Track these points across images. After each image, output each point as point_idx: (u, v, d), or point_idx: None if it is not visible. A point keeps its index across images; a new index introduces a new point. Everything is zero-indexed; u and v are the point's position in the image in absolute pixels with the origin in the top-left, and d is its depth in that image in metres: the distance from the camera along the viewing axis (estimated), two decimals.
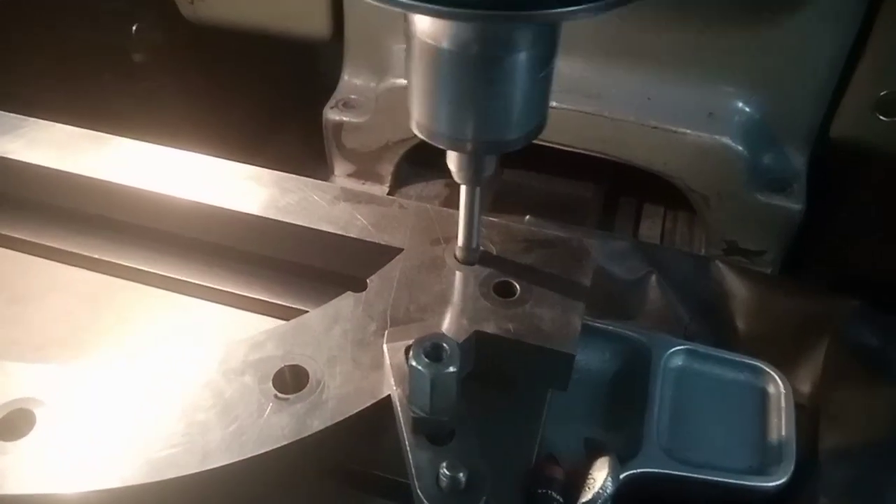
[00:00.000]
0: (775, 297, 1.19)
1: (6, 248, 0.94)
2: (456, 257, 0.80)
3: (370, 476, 0.72)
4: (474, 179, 0.71)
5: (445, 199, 1.55)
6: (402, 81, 1.38)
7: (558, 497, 0.70)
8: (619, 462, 0.74)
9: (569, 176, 1.60)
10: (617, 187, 1.60)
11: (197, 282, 0.89)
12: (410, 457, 0.58)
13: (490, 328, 0.72)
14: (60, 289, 0.90)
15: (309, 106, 1.56)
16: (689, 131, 1.33)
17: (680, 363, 0.88)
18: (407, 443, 0.60)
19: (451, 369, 0.56)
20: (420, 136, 0.67)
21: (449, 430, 0.60)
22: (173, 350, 0.71)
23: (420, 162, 1.57)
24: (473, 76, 0.60)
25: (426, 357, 0.56)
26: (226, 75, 1.66)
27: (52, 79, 1.53)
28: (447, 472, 0.55)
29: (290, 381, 0.69)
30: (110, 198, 0.91)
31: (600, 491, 0.71)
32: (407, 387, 0.61)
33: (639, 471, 0.76)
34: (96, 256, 0.93)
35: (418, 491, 0.57)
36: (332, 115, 1.49)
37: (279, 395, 0.67)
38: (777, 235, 1.38)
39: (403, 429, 0.61)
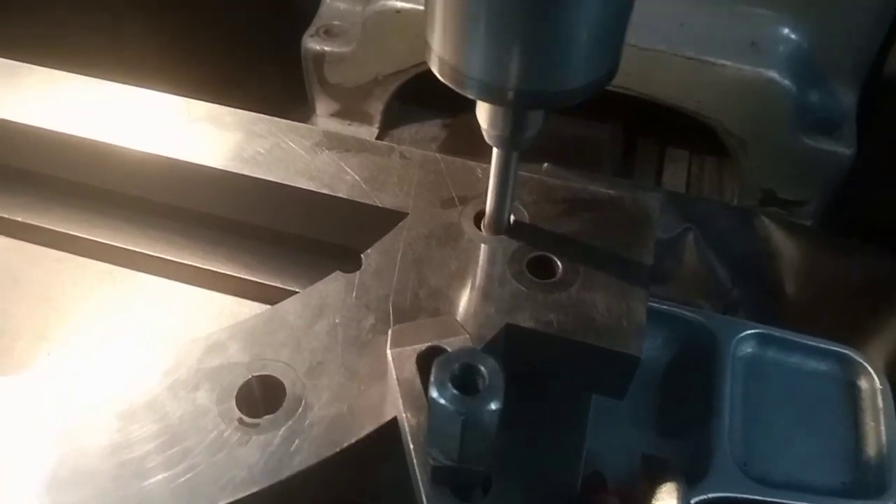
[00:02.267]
0: (831, 257, 1.03)
1: None
2: (476, 224, 0.61)
3: None
4: (512, 142, 0.54)
5: (442, 142, 1.37)
6: (394, 3, 1.19)
7: None
8: (687, 484, 0.58)
9: (581, 115, 1.41)
10: (636, 128, 1.42)
11: (140, 250, 0.70)
12: None
13: (526, 321, 0.54)
14: None
15: (288, 36, 1.35)
16: (728, 63, 1.16)
17: (750, 350, 0.71)
18: (424, 495, 0.42)
19: (493, 407, 0.38)
20: (442, 78, 0.49)
21: (481, 480, 0.43)
22: (102, 353, 0.53)
23: (414, 99, 1.39)
24: None
25: (455, 387, 0.39)
26: (193, 4, 1.45)
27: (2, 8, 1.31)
28: None
29: (261, 398, 0.51)
30: (30, 146, 0.71)
31: None
32: (423, 418, 0.44)
33: (711, 496, 0.60)
34: (19, 219, 0.73)
35: None
36: (311, 44, 1.29)
37: (245, 419, 0.49)
38: (822, 184, 1.23)
39: (418, 475, 0.43)
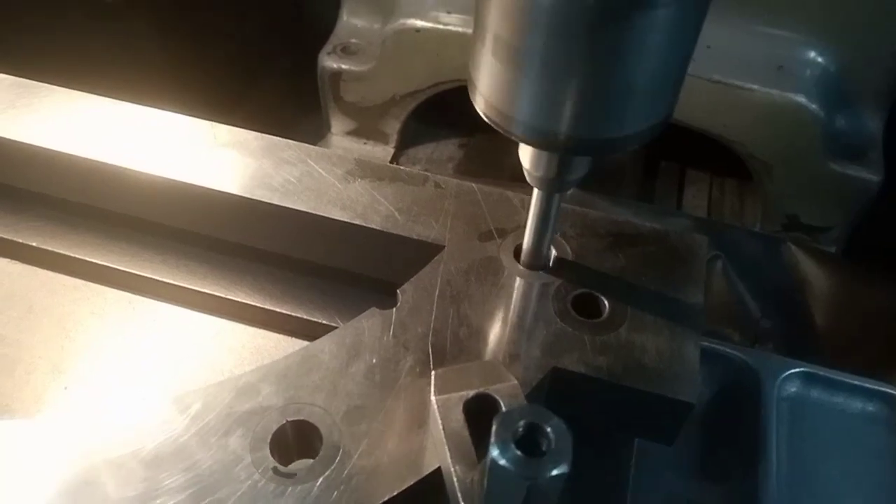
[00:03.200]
0: (863, 286, 1.00)
1: None
2: (516, 258, 0.59)
3: None
4: (555, 185, 0.51)
5: (459, 162, 1.35)
6: (414, 22, 1.17)
7: None
8: None
9: None
10: (657, 149, 1.40)
11: (161, 279, 0.67)
12: None
13: (574, 364, 0.52)
14: None
15: (299, 50, 1.33)
16: (755, 87, 1.14)
17: (794, 390, 0.68)
18: None
19: (560, 471, 0.35)
20: (487, 119, 0.47)
21: None
22: (123, 393, 0.50)
23: (430, 119, 1.36)
24: (586, 39, 0.41)
25: (519, 450, 0.36)
26: (205, 15, 1.43)
27: (14, 19, 1.29)
28: None
29: (295, 444, 0.48)
30: (48, 169, 0.68)
31: None
32: (475, 473, 0.41)
33: None
34: (35, 245, 0.70)
35: None
36: (328, 62, 1.27)
37: (280, 468, 0.46)
38: (847, 210, 1.20)
39: None
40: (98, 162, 0.66)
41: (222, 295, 0.67)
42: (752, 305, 0.99)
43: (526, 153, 0.51)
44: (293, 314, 0.66)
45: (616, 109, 0.44)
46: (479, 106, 0.47)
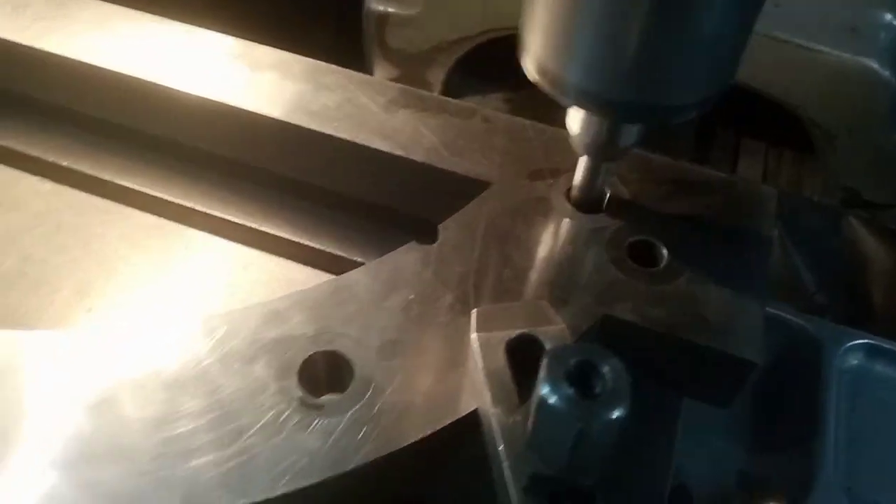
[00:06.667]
0: None
1: None
2: (570, 199, 0.54)
3: None
4: (603, 152, 0.49)
5: None
6: None
7: None
8: None
9: None
10: (712, 115, 1.34)
11: (199, 208, 0.64)
12: None
13: (628, 313, 0.48)
14: (13, 206, 0.65)
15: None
16: (825, 48, 1.06)
17: (856, 363, 0.63)
18: None
19: (616, 415, 0.32)
20: (536, 80, 0.45)
21: (585, 495, 0.36)
22: (148, 315, 0.47)
23: (475, 72, 1.31)
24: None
25: (571, 385, 0.32)
26: None
27: None
28: None
29: (325, 376, 0.45)
30: (88, 86, 0.65)
31: None
32: (517, 416, 0.37)
33: None
34: (65, 165, 0.68)
35: None
36: (375, 4, 1.22)
37: (308, 398, 0.43)
38: None
39: (509, 482, 0.37)
40: (133, 77, 0.62)
41: (254, 226, 0.64)
42: (807, 278, 0.94)
43: (575, 118, 0.48)
44: (326, 249, 0.63)
45: (673, 74, 0.42)
46: (529, 67, 0.45)
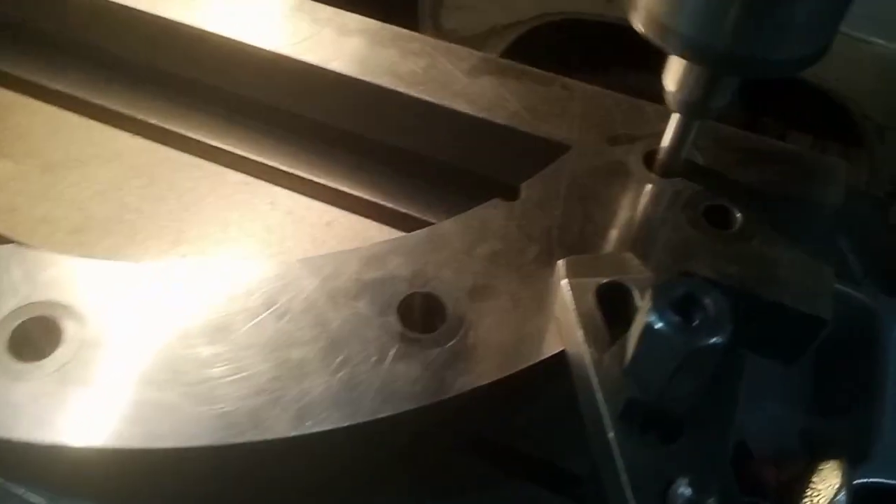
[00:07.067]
0: None
1: (42, 101, 0.74)
2: (647, 165, 0.57)
3: (510, 452, 0.53)
4: (698, 109, 0.51)
5: None
6: None
7: None
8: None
9: None
10: (757, 104, 1.35)
11: (285, 168, 0.68)
12: (619, 454, 0.38)
13: (705, 270, 0.50)
14: (108, 158, 0.70)
15: None
16: (879, 41, 1.07)
17: None
18: (611, 431, 0.39)
19: (718, 340, 0.35)
20: (642, 31, 0.47)
21: (675, 423, 0.39)
22: (254, 254, 0.51)
23: (527, 55, 1.33)
24: None
25: (676, 314, 0.35)
26: None
27: None
28: (687, 495, 0.35)
29: (421, 315, 0.49)
30: (175, 44, 0.69)
31: None
32: (607, 353, 0.40)
33: (869, 480, 0.56)
34: (155, 122, 0.72)
35: None
36: None
37: (408, 333, 0.47)
38: None
39: (603, 410, 0.40)
40: (224, 38, 0.66)
41: (337, 186, 0.67)
42: (855, 265, 0.95)
43: (674, 73, 0.50)
44: (405, 210, 0.66)
45: (782, 29, 0.44)
46: (636, 20, 0.47)
